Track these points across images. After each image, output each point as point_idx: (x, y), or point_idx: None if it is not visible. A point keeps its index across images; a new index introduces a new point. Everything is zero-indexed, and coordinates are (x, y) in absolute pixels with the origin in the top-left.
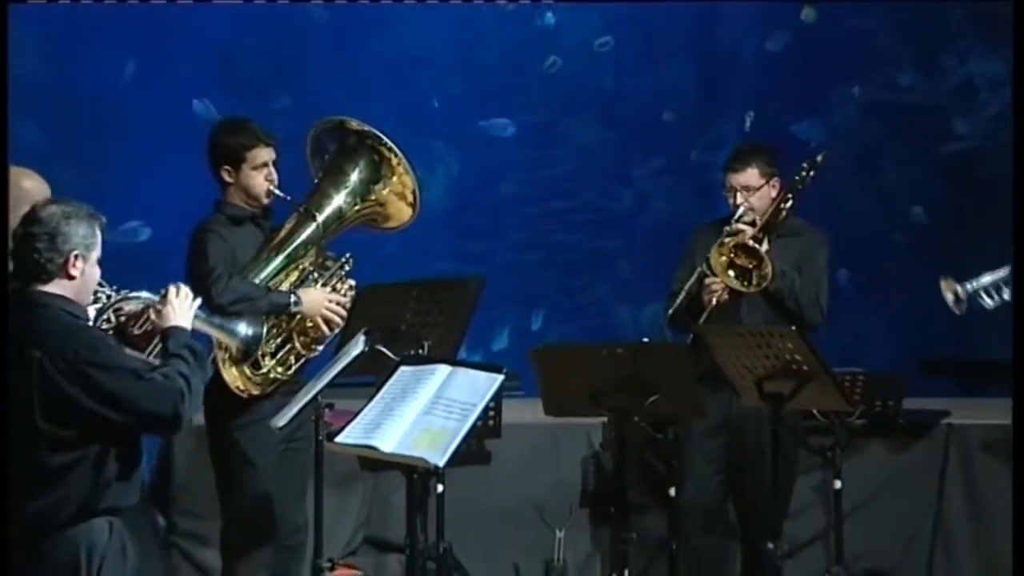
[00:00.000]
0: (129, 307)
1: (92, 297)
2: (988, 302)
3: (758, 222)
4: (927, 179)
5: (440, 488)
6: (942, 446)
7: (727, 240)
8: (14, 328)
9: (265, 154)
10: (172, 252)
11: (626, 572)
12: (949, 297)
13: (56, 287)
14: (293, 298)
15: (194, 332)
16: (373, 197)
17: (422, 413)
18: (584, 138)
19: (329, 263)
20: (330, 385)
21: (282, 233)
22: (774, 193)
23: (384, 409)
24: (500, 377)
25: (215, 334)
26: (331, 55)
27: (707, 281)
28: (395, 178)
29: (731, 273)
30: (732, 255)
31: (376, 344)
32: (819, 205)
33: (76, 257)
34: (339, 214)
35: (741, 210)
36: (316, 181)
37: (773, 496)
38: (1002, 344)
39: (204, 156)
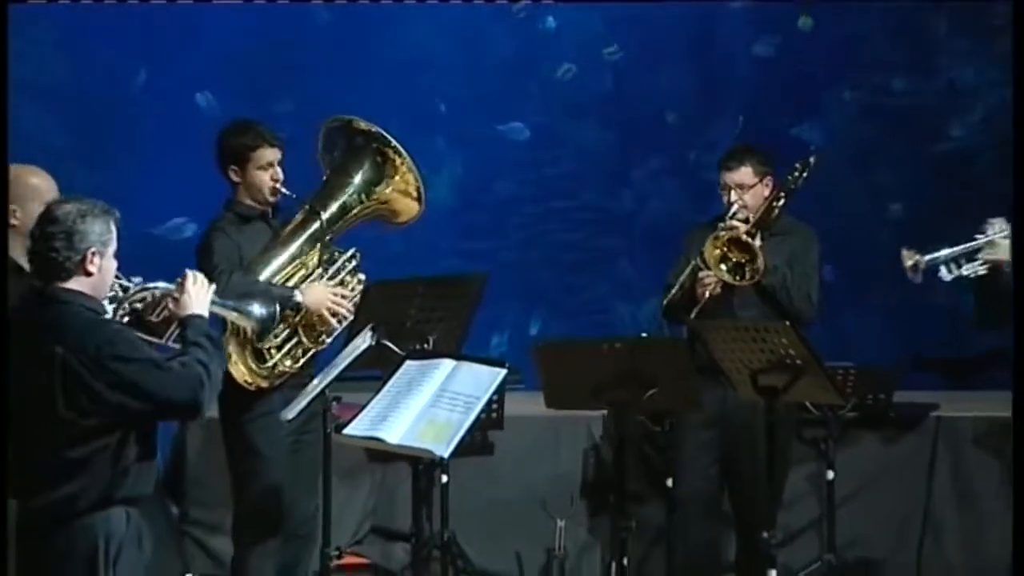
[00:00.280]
0: (147, 296)
1: (110, 290)
2: (946, 274)
3: (751, 219)
4: (917, 179)
5: (445, 479)
6: (931, 438)
7: (721, 234)
8: (35, 324)
9: (270, 154)
10: None
11: (625, 560)
12: (908, 263)
13: (75, 284)
14: (296, 293)
15: (211, 316)
16: (376, 197)
17: (427, 406)
18: (584, 139)
19: (337, 256)
20: (338, 379)
21: (287, 230)
22: (767, 191)
23: (390, 402)
24: (503, 371)
25: (232, 316)
26: (334, 56)
27: (700, 275)
28: (398, 178)
29: (724, 267)
30: (726, 249)
31: (383, 339)
32: (814, 204)
33: (93, 254)
34: (344, 211)
35: (735, 207)
36: (324, 179)
37: (768, 486)
38: (986, 338)
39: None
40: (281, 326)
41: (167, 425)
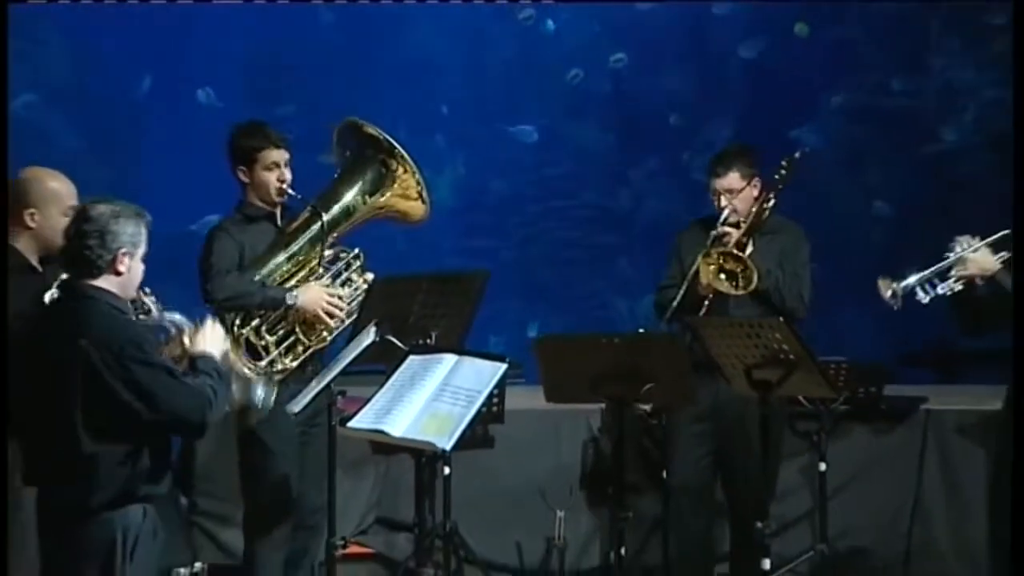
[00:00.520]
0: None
1: (136, 293)
2: (923, 296)
3: (742, 224)
4: (908, 179)
5: (447, 471)
6: (921, 430)
7: (713, 252)
8: (62, 314)
9: (275, 155)
10: None
11: (623, 550)
12: (887, 294)
13: (104, 282)
14: (290, 295)
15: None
16: (379, 202)
17: (430, 400)
18: (585, 140)
19: (342, 255)
20: (343, 373)
21: (290, 230)
22: (756, 193)
23: (394, 396)
24: (504, 366)
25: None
26: (336, 57)
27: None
28: (398, 184)
29: (722, 277)
30: (721, 262)
31: (387, 334)
32: (808, 204)
33: (124, 254)
34: (348, 213)
35: (726, 212)
36: (334, 178)
37: (761, 478)
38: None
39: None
40: (280, 324)
41: None
